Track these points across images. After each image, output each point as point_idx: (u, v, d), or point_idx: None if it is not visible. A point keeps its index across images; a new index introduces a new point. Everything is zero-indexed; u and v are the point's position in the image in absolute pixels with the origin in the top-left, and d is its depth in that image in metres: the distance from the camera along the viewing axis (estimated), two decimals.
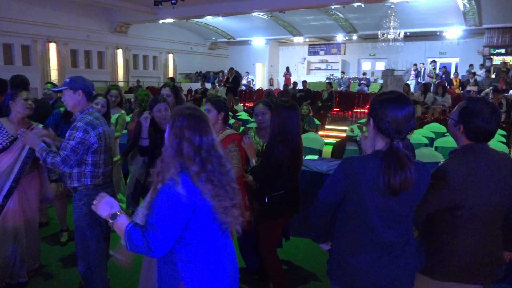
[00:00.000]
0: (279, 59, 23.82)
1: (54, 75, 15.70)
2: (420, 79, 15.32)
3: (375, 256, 1.74)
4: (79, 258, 2.86)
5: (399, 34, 15.77)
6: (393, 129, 1.65)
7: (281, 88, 16.28)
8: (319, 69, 22.65)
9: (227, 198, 1.75)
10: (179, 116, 1.74)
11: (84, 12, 16.23)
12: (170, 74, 21.09)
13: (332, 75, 20.15)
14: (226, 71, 20.61)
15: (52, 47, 15.71)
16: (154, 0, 13.89)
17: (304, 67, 22.89)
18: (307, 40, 21.86)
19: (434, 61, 15.98)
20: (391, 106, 1.67)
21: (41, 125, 3.32)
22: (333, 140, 8.71)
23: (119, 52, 18.51)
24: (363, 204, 1.72)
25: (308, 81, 14.85)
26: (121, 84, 17.67)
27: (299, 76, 20.36)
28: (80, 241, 2.83)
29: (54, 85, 5.94)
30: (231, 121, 5.18)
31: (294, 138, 2.90)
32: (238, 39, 22.12)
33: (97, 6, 16.02)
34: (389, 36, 15.75)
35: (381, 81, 17.57)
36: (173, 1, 13.67)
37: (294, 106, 2.94)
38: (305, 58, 22.98)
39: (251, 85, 20.22)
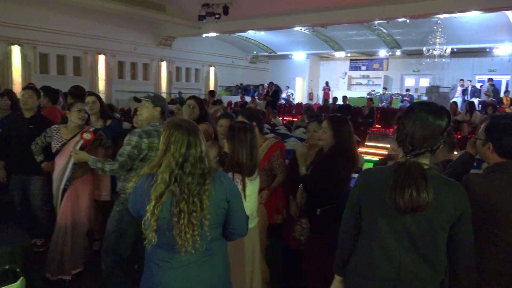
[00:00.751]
0: (319, 74, 23.73)
1: (101, 85, 16.40)
2: (467, 97, 14.73)
3: (391, 284, 1.59)
4: (102, 258, 3.01)
5: (445, 50, 15.28)
6: (408, 143, 1.57)
7: (321, 103, 16.16)
8: (360, 84, 22.33)
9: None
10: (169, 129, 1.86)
11: (132, 26, 16.91)
12: (211, 87, 21.47)
13: (374, 90, 19.77)
14: (266, 85, 20.75)
15: (101, 58, 16.45)
16: (198, 14, 14.29)
17: (345, 82, 22.65)
18: (349, 55, 21.64)
19: (491, 79, 15.32)
20: (414, 119, 1.58)
21: (92, 128, 3.57)
22: (373, 158, 8.49)
23: (163, 64, 19.10)
24: (375, 219, 1.61)
25: (348, 97, 14.65)
26: (164, 96, 18.16)
27: (339, 91, 20.15)
28: (105, 243, 3.00)
29: (92, 92, 6.22)
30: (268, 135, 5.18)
31: (351, 152, 2.88)
32: (279, 53, 22.25)
33: (144, 20, 16.65)
34: (435, 52, 15.30)
35: (425, 98, 17.03)
36: (216, 16, 14.01)
37: (347, 120, 2.95)
38: (346, 73, 22.75)
39: (291, 99, 20.22)
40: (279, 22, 15.08)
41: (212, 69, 21.67)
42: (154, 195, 1.74)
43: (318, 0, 12.78)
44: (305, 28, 17.17)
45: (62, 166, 3.44)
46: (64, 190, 3.44)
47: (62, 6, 13.86)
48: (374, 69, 21.83)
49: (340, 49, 20.08)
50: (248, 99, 16.82)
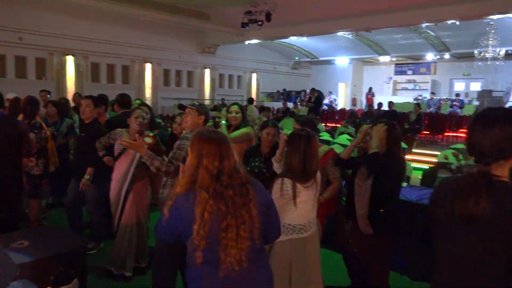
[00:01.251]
0: (363, 79, 23.26)
1: (148, 93, 16.96)
2: None
3: None
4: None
5: (498, 52, 14.50)
6: (478, 151, 1.49)
7: (364, 108, 15.80)
8: (406, 89, 21.65)
9: None
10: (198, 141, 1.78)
11: (176, 35, 17.38)
12: (253, 93, 21.62)
13: (421, 95, 19.06)
14: (308, 90, 20.62)
15: (148, 67, 17.02)
16: (241, 22, 14.45)
17: (390, 87, 22.05)
18: (394, 59, 21.08)
19: None
20: (483, 125, 1.49)
21: (151, 134, 3.77)
22: (422, 165, 8.17)
23: (207, 72, 19.47)
24: (442, 227, 1.55)
25: (394, 102, 14.22)
26: (206, 102, 18.51)
27: (384, 96, 19.64)
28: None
29: (143, 103, 6.45)
30: None
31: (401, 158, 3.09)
32: (321, 58, 22.05)
33: (189, 29, 17.07)
34: (487, 55, 14.56)
35: (476, 102, 16.26)
36: (259, 23, 14.11)
37: (396, 125, 3.08)
38: (391, 78, 22.15)
39: (333, 105, 19.94)
40: (322, 27, 14.94)
41: (254, 75, 21.83)
42: (199, 213, 1.66)
43: (362, 4, 12.54)
44: (348, 33, 16.91)
45: (124, 169, 3.62)
46: (127, 192, 3.64)
47: (112, 17, 14.51)
48: (421, 73, 21.10)
49: (385, 53, 19.59)
50: (290, 105, 16.77)
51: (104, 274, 3.67)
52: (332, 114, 16.42)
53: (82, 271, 2.57)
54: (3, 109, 4.25)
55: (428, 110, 15.41)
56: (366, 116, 12.34)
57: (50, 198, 5.65)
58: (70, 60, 14.48)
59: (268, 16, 13.80)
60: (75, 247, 2.56)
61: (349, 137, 8.56)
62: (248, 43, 18.56)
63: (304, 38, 17.74)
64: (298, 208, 2.53)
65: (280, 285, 2.45)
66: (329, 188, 3.25)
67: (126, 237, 3.64)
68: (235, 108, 4.15)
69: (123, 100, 4.93)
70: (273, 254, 2.54)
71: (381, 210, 2.86)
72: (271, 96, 22.41)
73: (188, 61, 18.65)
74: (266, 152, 3.42)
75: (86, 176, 4.00)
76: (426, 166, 7.43)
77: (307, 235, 2.60)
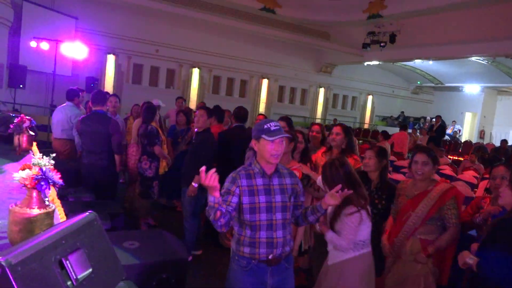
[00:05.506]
0: (495, 110, 20.80)
1: (262, 107, 17.45)
2: None
3: None
4: None
5: None
6: None
7: (495, 143, 14.03)
8: None
9: None
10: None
11: (295, 53, 17.62)
12: (367, 115, 20.84)
13: None
14: (428, 118, 19.14)
15: (264, 82, 17.55)
16: (363, 43, 14.07)
17: None
18: None
19: None
20: None
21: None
22: None
23: (321, 91, 19.35)
24: None
25: None
26: (318, 121, 18.34)
27: None
28: None
29: (265, 116, 6.51)
30: None
31: None
32: (447, 84, 20.36)
33: (307, 47, 17.19)
34: None
35: None
36: (382, 44, 13.56)
37: None
38: None
39: (457, 136, 18.16)
40: (452, 51, 13.77)
41: (370, 97, 21.05)
42: None
43: (501, 28, 11.22)
44: (482, 58, 15.30)
45: None
46: None
47: (236, 34, 15.31)
48: None
49: None
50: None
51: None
52: (455, 145, 14.91)
53: (182, 281, 2.59)
54: (105, 108, 4.72)
55: None
56: (497, 153, 10.88)
57: (164, 200, 6.03)
58: (195, 72, 15.65)
59: (393, 38, 13.20)
60: (180, 256, 2.60)
61: (476, 175, 7.60)
62: (367, 64, 17.99)
63: (430, 62, 16.56)
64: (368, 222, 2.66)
65: None
66: (443, 236, 2.76)
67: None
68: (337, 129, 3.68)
69: (240, 113, 4.94)
70: (347, 270, 2.62)
71: None
72: (385, 120, 21.34)
73: (303, 79, 18.76)
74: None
75: (194, 183, 4.10)
76: None
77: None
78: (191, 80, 15.62)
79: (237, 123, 4.93)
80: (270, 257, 2.26)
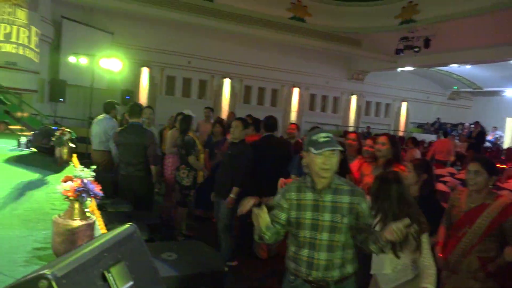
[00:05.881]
0: None
1: (293, 116, 17.35)
2: None
3: None
4: None
5: None
6: None
7: None
8: None
9: None
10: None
11: (326, 61, 17.47)
12: (402, 123, 20.33)
13: None
14: (467, 124, 18.44)
15: (295, 91, 17.48)
16: (396, 48, 13.78)
17: None
18: None
19: None
20: None
21: None
22: None
23: (353, 98, 19.06)
24: None
25: None
26: (351, 129, 18.04)
27: None
28: None
29: (297, 125, 6.45)
30: None
31: None
32: (486, 89, 19.58)
33: (338, 55, 17.02)
34: None
35: None
36: (415, 49, 13.23)
37: None
38: None
39: (499, 143, 17.38)
40: (490, 54, 13.24)
41: (404, 104, 20.54)
42: None
43: None
44: None
45: None
46: None
47: (266, 43, 15.38)
48: None
49: None
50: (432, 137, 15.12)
51: None
52: (497, 153, 14.26)
53: None
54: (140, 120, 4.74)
55: None
56: None
57: (200, 211, 6.04)
58: (227, 83, 15.80)
59: (427, 42, 12.85)
60: (217, 267, 2.58)
61: None
62: (401, 70, 17.59)
63: (467, 66, 16.01)
64: None
65: None
66: (507, 250, 2.49)
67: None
68: (383, 139, 3.57)
69: (269, 123, 4.92)
70: None
71: None
72: (421, 127, 20.73)
73: (335, 87, 18.55)
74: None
75: (232, 195, 4.10)
76: None
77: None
78: (222, 90, 15.79)
79: (266, 132, 4.88)
80: (310, 278, 2.12)
